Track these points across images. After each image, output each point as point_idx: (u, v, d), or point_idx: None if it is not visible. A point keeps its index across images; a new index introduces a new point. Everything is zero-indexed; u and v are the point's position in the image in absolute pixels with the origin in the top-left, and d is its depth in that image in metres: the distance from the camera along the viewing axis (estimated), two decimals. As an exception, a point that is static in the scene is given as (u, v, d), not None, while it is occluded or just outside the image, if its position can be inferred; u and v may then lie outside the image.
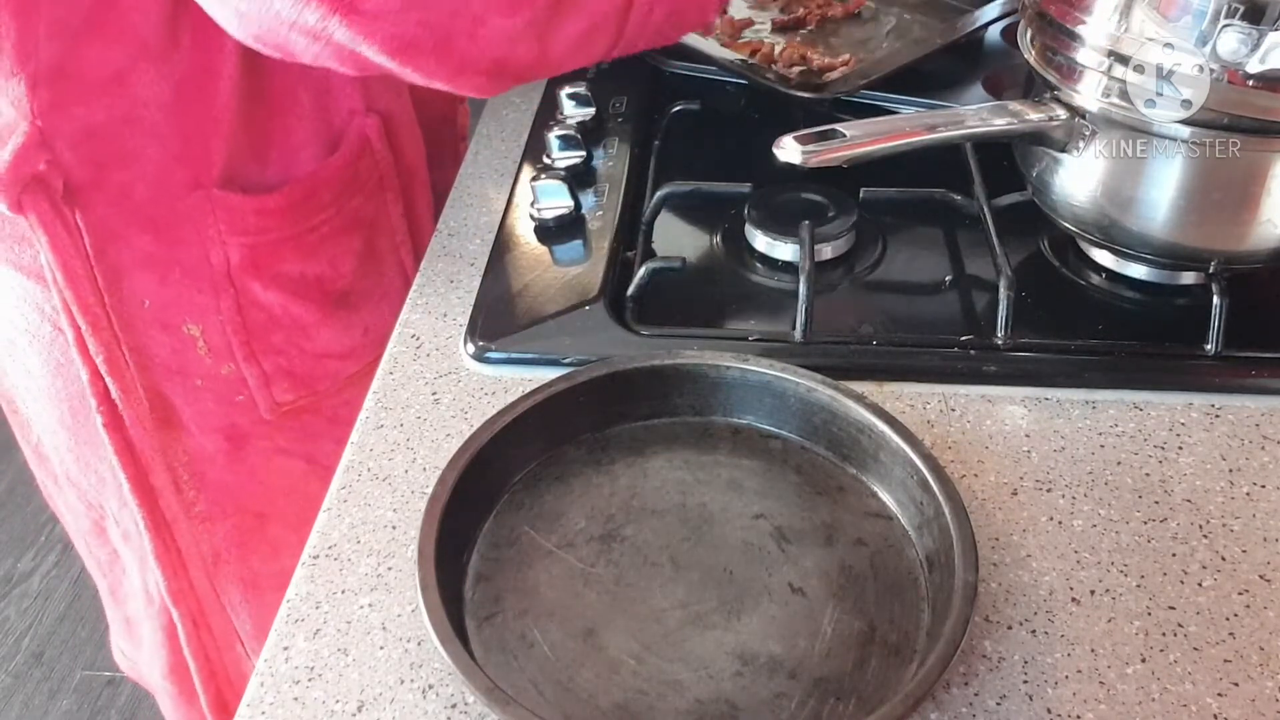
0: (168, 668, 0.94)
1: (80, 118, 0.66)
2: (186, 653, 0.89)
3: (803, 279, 0.67)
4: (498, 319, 0.68)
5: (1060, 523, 0.56)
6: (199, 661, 0.89)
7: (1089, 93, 0.64)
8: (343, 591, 0.53)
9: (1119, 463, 0.60)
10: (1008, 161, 0.74)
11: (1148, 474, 0.59)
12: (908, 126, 0.67)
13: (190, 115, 0.67)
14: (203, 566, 0.85)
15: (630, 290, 0.70)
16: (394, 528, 0.56)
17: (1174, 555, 0.55)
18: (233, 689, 0.93)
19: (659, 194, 0.79)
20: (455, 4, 0.57)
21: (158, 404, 0.78)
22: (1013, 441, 0.61)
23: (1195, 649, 0.50)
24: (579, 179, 0.79)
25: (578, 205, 0.76)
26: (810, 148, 0.63)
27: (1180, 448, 0.60)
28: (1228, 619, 0.52)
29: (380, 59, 0.58)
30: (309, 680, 0.50)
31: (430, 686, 0.49)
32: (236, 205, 0.72)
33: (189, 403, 0.79)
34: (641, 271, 0.70)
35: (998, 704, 0.48)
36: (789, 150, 0.63)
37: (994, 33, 0.94)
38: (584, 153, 0.81)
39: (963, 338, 0.67)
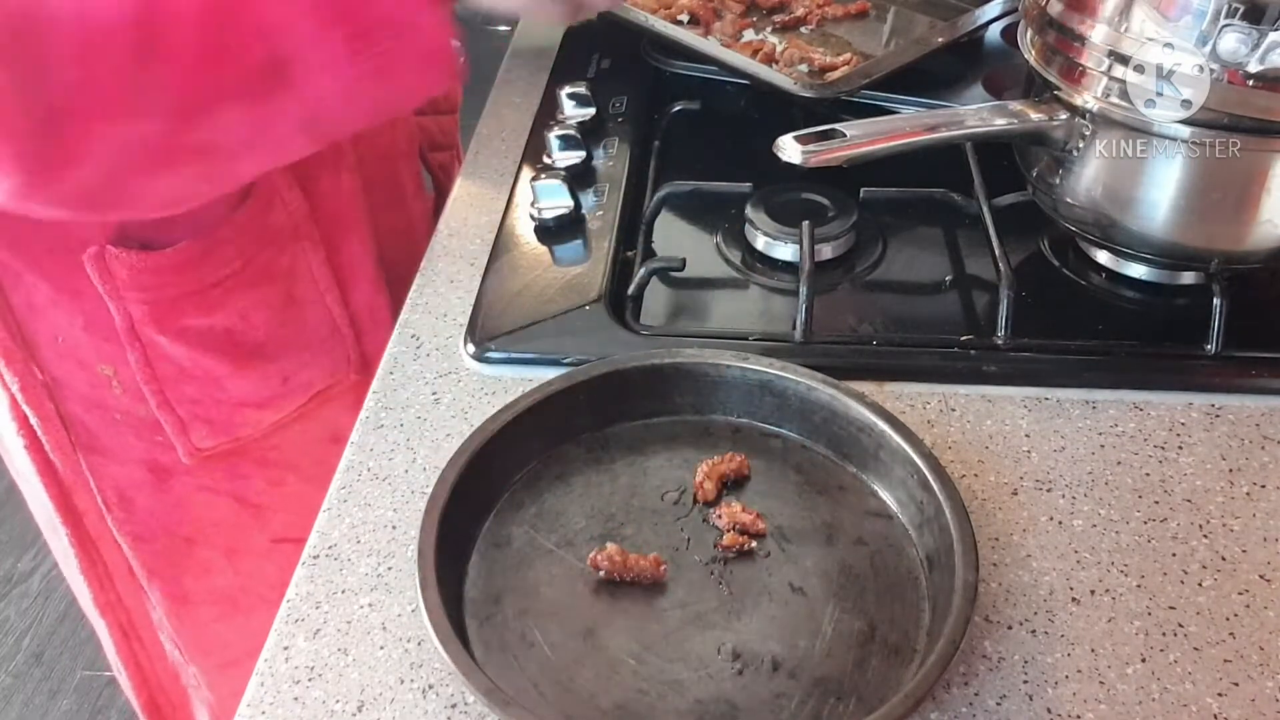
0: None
1: None
2: (116, 661, 0.88)
3: (803, 279, 0.67)
4: (498, 319, 0.68)
5: (1060, 523, 0.56)
6: (130, 669, 0.89)
7: (1089, 93, 0.64)
8: (343, 591, 0.53)
9: (1119, 463, 0.60)
10: (1008, 161, 0.74)
11: (1148, 474, 0.59)
12: (908, 126, 0.67)
13: None
14: (132, 580, 0.84)
15: (630, 290, 0.70)
16: (394, 528, 0.56)
17: (1174, 555, 0.55)
18: (165, 695, 0.91)
19: (659, 194, 0.79)
20: (100, 181, 0.56)
21: (81, 431, 0.77)
22: (1013, 441, 0.61)
23: (1195, 649, 0.50)
24: (579, 179, 0.79)
25: (578, 205, 0.76)
26: (810, 148, 0.63)
27: (1180, 448, 0.60)
28: (1228, 619, 0.52)
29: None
30: (309, 680, 0.50)
31: (430, 686, 0.49)
32: (132, 262, 0.70)
33: (110, 435, 0.77)
34: (641, 271, 0.70)
35: (998, 704, 0.48)
36: (789, 150, 0.63)
37: (994, 33, 0.94)
38: (584, 153, 0.81)
39: (963, 338, 0.67)
